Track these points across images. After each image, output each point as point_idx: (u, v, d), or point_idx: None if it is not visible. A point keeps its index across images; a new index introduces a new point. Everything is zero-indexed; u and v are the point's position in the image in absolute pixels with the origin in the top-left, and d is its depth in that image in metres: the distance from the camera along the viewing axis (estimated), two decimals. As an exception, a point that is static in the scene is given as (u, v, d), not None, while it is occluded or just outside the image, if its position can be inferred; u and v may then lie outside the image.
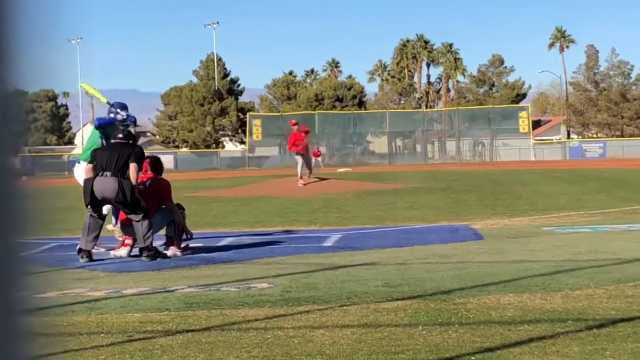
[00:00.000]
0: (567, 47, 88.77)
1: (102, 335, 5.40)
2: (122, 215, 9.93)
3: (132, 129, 10.42)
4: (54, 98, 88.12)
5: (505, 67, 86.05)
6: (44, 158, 67.87)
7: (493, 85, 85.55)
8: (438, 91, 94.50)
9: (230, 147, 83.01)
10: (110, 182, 9.49)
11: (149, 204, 9.71)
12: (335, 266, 8.44)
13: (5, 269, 1.09)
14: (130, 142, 9.93)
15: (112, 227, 10.46)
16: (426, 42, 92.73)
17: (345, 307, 6.04)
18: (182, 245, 10.15)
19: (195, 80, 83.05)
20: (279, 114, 74.16)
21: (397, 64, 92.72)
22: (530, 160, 61.13)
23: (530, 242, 10.49)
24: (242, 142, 77.17)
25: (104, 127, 10.81)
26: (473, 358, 4.56)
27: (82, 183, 10.02)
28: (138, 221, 9.56)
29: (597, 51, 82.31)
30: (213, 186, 29.26)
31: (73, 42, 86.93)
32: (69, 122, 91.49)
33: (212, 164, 66.55)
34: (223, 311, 6.05)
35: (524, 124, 67.48)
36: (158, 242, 10.04)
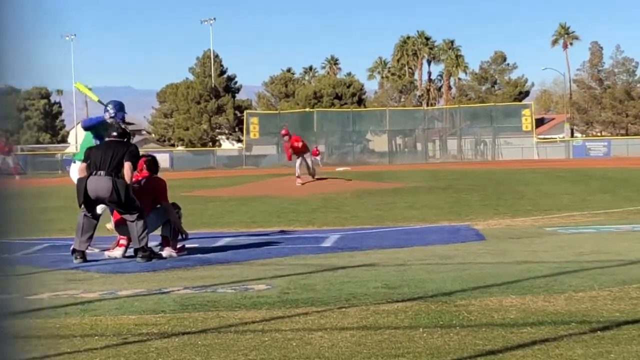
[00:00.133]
0: (571, 44, 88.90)
1: (96, 337, 5.36)
2: (116, 215, 9.82)
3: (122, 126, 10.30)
4: (47, 96, 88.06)
5: (508, 64, 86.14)
6: (37, 157, 67.88)
7: (495, 82, 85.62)
8: (439, 89, 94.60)
9: (227, 145, 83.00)
10: (104, 182, 9.38)
11: (144, 203, 9.61)
12: (334, 267, 8.38)
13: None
14: (125, 140, 9.82)
15: (110, 226, 10.37)
16: (427, 39, 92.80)
17: (344, 309, 5.99)
18: (178, 246, 10.07)
19: (191, 77, 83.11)
20: (277, 112, 74.19)
21: (398, 61, 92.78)
22: (533, 159, 61.07)
23: (533, 242, 10.43)
24: (239, 141, 77.17)
25: (91, 128, 10.71)
26: (475, 362, 4.50)
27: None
28: (133, 221, 9.47)
29: (602, 48, 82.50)
30: (209, 185, 29.24)
31: (67, 39, 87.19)
32: (63, 121, 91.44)
33: (209, 163, 66.52)
34: (219, 313, 6.01)
35: (526, 122, 67.46)
36: (153, 243, 9.96)
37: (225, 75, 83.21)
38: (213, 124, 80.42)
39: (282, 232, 12.93)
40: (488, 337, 5.00)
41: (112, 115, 10.47)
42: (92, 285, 7.80)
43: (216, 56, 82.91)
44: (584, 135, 79.60)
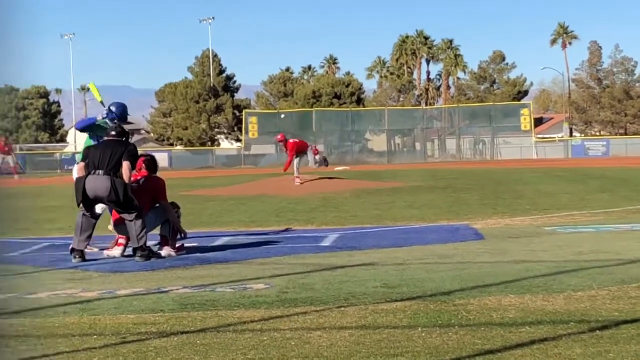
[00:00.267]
0: (570, 43, 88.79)
1: (95, 336, 5.36)
2: (114, 214, 9.81)
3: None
4: (45, 95, 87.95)
5: (507, 63, 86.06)
6: (36, 156, 67.81)
7: (494, 82, 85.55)
8: (438, 88, 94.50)
9: (226, 144, 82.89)
10: (103, 181, 9.37)
11: (143, 202, 9.60)
12: (332, 266, 8.38)
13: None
14: (124, 139, 9.80)
15: (112, 227, 10.35)
16: (426, 38, 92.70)
17: (343, 309, 5.99)
18: (177, 245, 10.06)
19: (190, 76, 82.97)
20: (276, 111, 74.12)
21: (396, 60, 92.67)
22: (532, 159, 61.02)
23: (532, 242, 10.42)
24: (238, 140, 77.07)
25: (85, 129, 10.67)
26: (474, 361, 4.50)
27: None
28: (131, 220, 9.45)
29: (600, 47, 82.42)
30: (208, 184, 29.21)
31: (65, 37, 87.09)
32: (61, 120, 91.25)
33: (208, 162, 66.44)
34: (218, 312, 6.01)
35: (525, 121, 67.40)
36: (152, 242, 9.95)
37: (224, 75, 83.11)
38: (212, 123, 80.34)
39: (281, 231, 12.93)
40: (487, 337, 5.00)
41: (104, 115, 10.44)
42: (90, 284, 7.80)
43: (215, 55, 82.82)
44: (583, 135, 79.57)
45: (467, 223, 13.37)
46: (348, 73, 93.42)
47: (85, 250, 9.71)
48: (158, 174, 10.44)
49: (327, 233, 12.23)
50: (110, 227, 10.31)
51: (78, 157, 11.17)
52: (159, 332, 5.39)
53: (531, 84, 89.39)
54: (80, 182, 9.45)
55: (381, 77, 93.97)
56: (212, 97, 79.77)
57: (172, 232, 9.95)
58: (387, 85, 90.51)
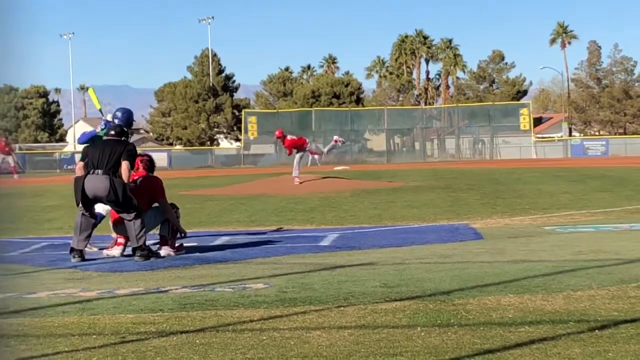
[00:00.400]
0: (569, 43, 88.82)
1: (95, 336, 5.35)
2: (113, 214, 9.80)
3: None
4: (45, 94, 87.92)
5: (506, 63, 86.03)
6: (35, 155, 67.78)
7: (493, 81, 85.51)
8: (437, 88, 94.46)
9: (225, 144, 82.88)
10: (102, 181, 9.36)
11: (140, 202, 9.59)
12: (332, 266, 8.37)
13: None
14: (123, 139, 9.79)
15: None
16: (425, 38, 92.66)
17: (342, 308, 5.98)
18: (176, 245, 10.06)
19: (189, 76, 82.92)
20: (275, 110, 74.05)
21: (396, 60, 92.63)
22: (531, 158, 61.05)
23: (531, 241, 10.42)
24: (237, 140, 77.06)
25: (88, 142, 10.60)
26: (473, 360, 4.50)
27: None
28: (130, 220, 9.45)
29: (600, 47, 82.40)
30: (207, 184, 29.21)
31: (65, 37, 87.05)
32: (61, 119, 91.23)
33: (207, 162, 66.44)
34: (218, 312, 6.00)
35: (524, 121, 67.42)
36: (150, 242, 9.94)
37: (223, 74, 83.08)
38: (211, 123, 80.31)
39: (279, 230, 12.95)
40: (486, 336, 4.99)
41: (103, 127, 10.40)
42: (90, 284, 7.80)
43: (214, 55, 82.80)
44: (582, 135, 79.55)
45: (466, 223, 13.36)
46: (347, 73, 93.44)
47: (85, 249, 9.71)
48: (156, 173, 10.44)
49: (327, 233, 12.23)
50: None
51: (78, 157, 11.16)
52: (159, 332, 5.38)
53: (530, 83, 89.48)
54: (79, 182, 9.44)
55: (380, 76, 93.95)
56: (211, 97, 79.74)
57: (171, 232, 9.95)
58: (386, 85, 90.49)
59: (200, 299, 6.55)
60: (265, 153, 68.04)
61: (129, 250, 9.76)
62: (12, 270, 8.96)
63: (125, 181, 9.44)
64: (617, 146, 65.10)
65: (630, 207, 15.71)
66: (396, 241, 10.95)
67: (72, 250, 9.61)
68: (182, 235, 10.14)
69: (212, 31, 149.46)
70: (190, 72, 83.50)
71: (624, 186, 22.06)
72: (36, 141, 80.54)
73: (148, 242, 9.68)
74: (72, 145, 70.10)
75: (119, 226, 9.74)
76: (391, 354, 4.63)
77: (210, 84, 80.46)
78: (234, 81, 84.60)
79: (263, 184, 25.54)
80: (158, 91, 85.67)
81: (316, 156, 24.64)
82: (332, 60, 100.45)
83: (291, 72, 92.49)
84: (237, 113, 78.69)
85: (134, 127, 11.89)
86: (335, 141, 24.70)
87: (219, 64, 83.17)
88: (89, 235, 9.69)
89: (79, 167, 9.71)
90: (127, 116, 10.29)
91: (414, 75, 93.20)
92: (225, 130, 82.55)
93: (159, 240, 10.04)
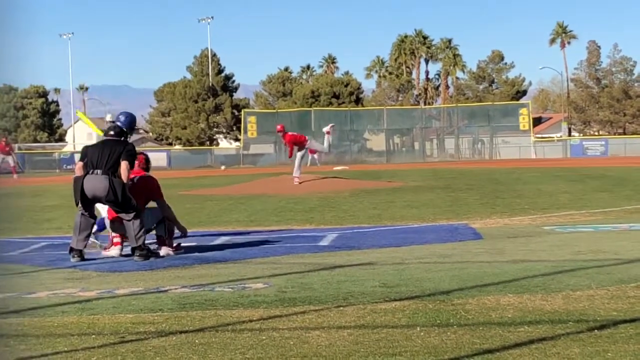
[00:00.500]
0: (569, 43, 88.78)
1: (94, 336, 5.35)
2: (111, 213, 9.79)
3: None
4: (44, 94, 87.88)
5: (505, 63, 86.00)
6: (35, 155, 67.75)
7: (493, 81, 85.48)
8: (437, 88, 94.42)
9: (225, 144, 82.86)
10: (101, 181, 9.36)
11: (137, 202, 9.58)
12: (331, 266, 8.37)
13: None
14: (122, 139, 9.78)
15: None
16: (425, 38, 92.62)
17: (341, 308, 5.98)
18: (175, 244, 10.05)
19: (189, 76, 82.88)
20: (274, 110, 74.01)
21: (395, 59, 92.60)
22: (531, 158, 61.05)
23: (531, 241, 10.42)
24: (237, 140, 77.04)
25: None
26: (472, 360, 4.50)
27: None
28: (129, 220, 9.45)
29: (599, 47, 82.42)
30: (207, 184, 29.19)
31: (64, 37, 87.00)
32: (60, 119, 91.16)
33: (206, 162, 66.43)
34: (217, 312, 6.00)
35: (524, 121, 67.40)
36: (148, 241, 9.92)
37: (222, 74, 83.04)
38: (211, 122, 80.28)
39: (278, 230, 12.94)
40: (485, 336, 4.99)
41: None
42: (89, 284, 7.79)
43: (214, 55, 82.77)
44: (582, 135, 79.55)
45: (466, 223, 13.36)
46: (347, 73, 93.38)
47: (85, 249, 9.72)
48: (156, 173, 10.43)
49: (326, 233, 12.23)
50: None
51: (77, 156, 11.17)
52: (158, 332, 5.38)
53: (530, 83, 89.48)
54: (79, 182, 9.44)
55: (380, 76, 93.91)
56: (211, 97, 79.72)
57: (168, 232, 9.95)
58: (385, 85, 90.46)
59: (200, 298, 6.55)
60: (264, 153, 68.04)
61: (128, 250, 9.76)
62: (12, 270, 8.96)
63: (125, 181, 9.44)
64: (616, 146, 65.10)
65: (629, 207, 15.72)
66: (395, 241, 10.95)
67: (71, 250, 9.61)
68: (183, 234, 10.15)
69: (212, 31, 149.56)
70: (189, 72, 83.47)
71: (623, 186, 22.06)
72: (35, 141, 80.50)
73: (146, 242, 9.67)
74: (72, 145, 70.09)
75: (116, 224, 9.74)
76: (390, 354, 4.63)
77: (210, 84, 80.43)
78: (233, 81, 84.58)
79: (262, 183, 25.54)
80: (158, 91, 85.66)
81: (316, 155, 24.63)
82: (331, 60, 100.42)
83: (291, 72, 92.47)
84: (236, 113, 78.66)
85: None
86: (328, 132, 24.71)
87: (219, 64, 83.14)
88: (89, 235, 9.70)
89: (78, 167, 9.70)
90: (130, 120, 10.19)
91: (414, 75, 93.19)
92: (224, 130, 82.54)
93: (155, 241, 10.03)
